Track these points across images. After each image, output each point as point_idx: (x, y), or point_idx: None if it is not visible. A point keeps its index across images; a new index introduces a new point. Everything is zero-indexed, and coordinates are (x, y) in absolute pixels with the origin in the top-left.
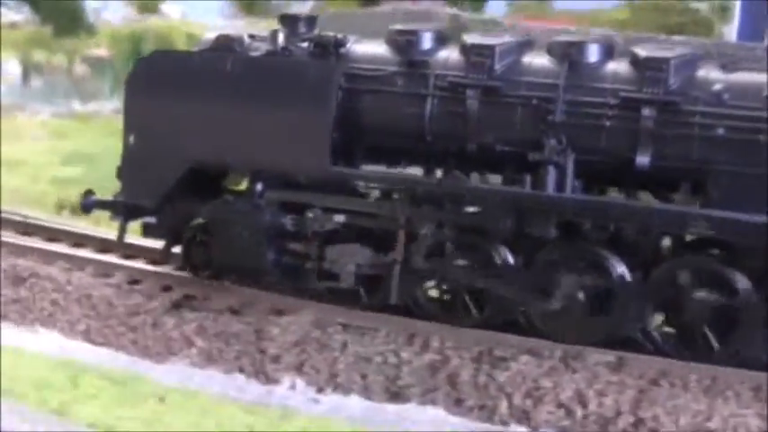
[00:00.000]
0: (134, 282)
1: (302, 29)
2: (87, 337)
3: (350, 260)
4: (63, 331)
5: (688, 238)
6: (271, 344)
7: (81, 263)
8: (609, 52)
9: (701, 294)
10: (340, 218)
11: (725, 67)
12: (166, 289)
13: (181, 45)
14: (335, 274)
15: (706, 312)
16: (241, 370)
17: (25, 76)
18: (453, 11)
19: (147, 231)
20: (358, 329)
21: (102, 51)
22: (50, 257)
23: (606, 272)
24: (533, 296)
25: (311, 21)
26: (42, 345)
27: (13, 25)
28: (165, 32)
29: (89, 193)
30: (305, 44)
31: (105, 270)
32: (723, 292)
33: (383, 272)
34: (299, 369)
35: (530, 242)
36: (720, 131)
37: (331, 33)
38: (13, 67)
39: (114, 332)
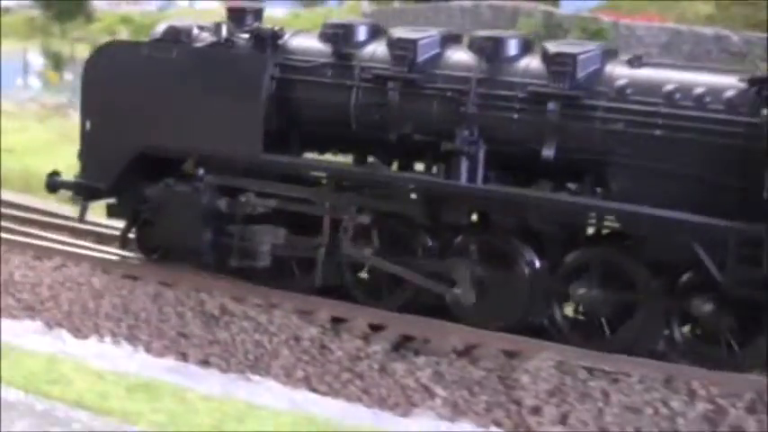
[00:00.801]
0: (339, 320)
1: (249, 21)
2: (309, 385)
3: (265, 240)
4: (279, 379)
5: (591, 229)
6: (524, 393)
7: (279, 298)
8: (526, 48)
9: (596, 288)
10: (270, 202)
11: (631, 63)
12: (378, 328)
13: None
14: (253, 253)
15: (604, 304)
16: (497, 423)
17: (57, 69)
18: (546, 7)
19: (110, 212)
20: (607, 375)
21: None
22: (242, 293)
23: (514, 261)
24: (442, 283)
25: (258, 13)
26: (265, 396)
27: (7, 11)
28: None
29: (54, 174)
30: (246, 36)
31: (305, 306)
32: (622, 284)
33: (308, 255)
34: (563, 422)
35: (446, 229)
36: (620, 125)
37: (269, 26)
38: (36, 59)
39: (339, 380)
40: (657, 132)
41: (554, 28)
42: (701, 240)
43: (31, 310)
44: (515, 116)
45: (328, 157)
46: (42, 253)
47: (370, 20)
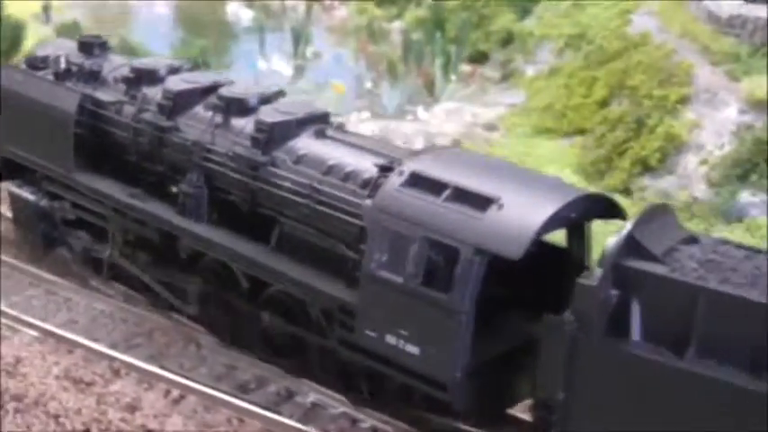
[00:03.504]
0: None
1: (96, 51)
2: None
3: (79, 242)
4: None
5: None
6: None
7: None
8: (250, 110)
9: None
10: (73, 211)
11: (318, 135)
12: None
13: None
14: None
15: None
16: None
17: None
18: None
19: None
20: None
21: None
22: None
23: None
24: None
25: (104, 45)
26: None
27: None
28: None
29: None
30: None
31: None
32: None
33: (100, 257)
34: None
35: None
36: (289, 192)
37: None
38: None
39: None
40: (310, 202)
41: None
42: (317, 303)
43: None
44: (229, 172)
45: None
46: None
47: (171, 61)
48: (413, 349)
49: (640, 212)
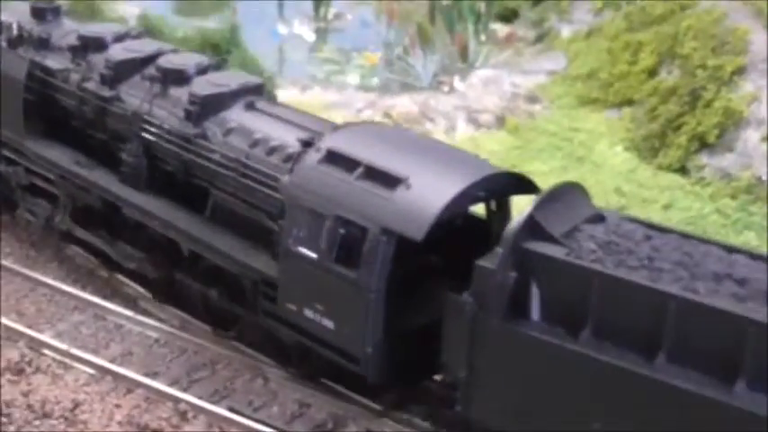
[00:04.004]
0: None
1: (49, 17)
2: None
3: (41, 208)
4: None
5: None
6: None
7: None
8: (188, 80)
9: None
10: (27, 177)
11: (248, 107)
12: None
13: None
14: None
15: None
16: None
17: None
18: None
19: None
20: None
21: None
22: None
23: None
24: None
25: (56, 11)
26: None
27: None
28: None
29: None
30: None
31: None
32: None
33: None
34: None
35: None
36: (218, 165)
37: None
38: None
39: None
40: (237, 175)
41: None
42: (244, 274)
43: None
44: (163, 143)
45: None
46: None
47: (119, 28)
48: (328, 323)
49: (544, 192)
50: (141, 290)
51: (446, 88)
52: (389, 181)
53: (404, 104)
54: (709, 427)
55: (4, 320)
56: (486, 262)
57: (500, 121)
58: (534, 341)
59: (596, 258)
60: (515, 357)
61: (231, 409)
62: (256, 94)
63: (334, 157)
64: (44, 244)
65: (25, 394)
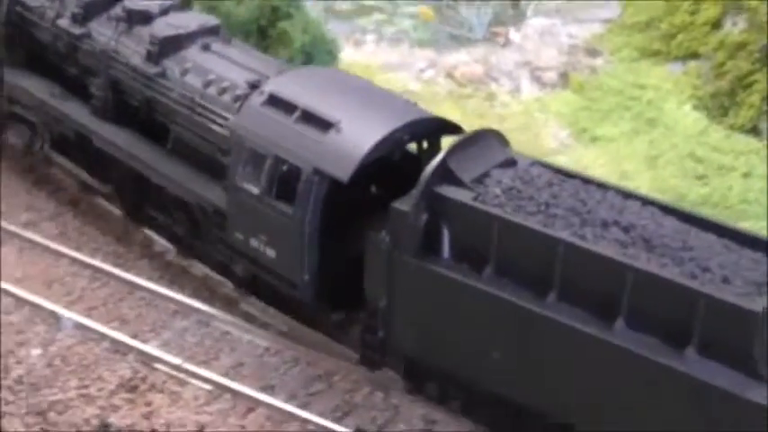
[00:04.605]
0: None
1: None
2: None
3: (22, 134)
4: None
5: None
6: None
7: None
8: (152, 19)
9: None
10: (9, 106)
11: (204, 48)
12: None
13: None
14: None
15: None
16: None
17: None
18: None
19: None
20: None
21: None
22: None
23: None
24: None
25: None
26: None
27: None
28: None
29: None
30: None
31: None
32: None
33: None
34: None
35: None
36: (176, 103)
37: None
38: None
39: None
40: (191, 113)
41: None
42: (199, 205)
43: None
44: (127, 79)
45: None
46: None
47: None
48: (271, 252)
49: (459, 138)
50: (240, 291)
51: (501, 40)
52: (323, 125)
53: (464, 62)
54: (591, 361)
55: (112, 332)
56: (401, 204)
57: (564, 79)
58: (443, 277)
59: (498, 203)
60: (427, 291)
61: (359, 431)
62: (213, 35)
63: (275, 101)
64: (129, 238)
65: (146, 417)
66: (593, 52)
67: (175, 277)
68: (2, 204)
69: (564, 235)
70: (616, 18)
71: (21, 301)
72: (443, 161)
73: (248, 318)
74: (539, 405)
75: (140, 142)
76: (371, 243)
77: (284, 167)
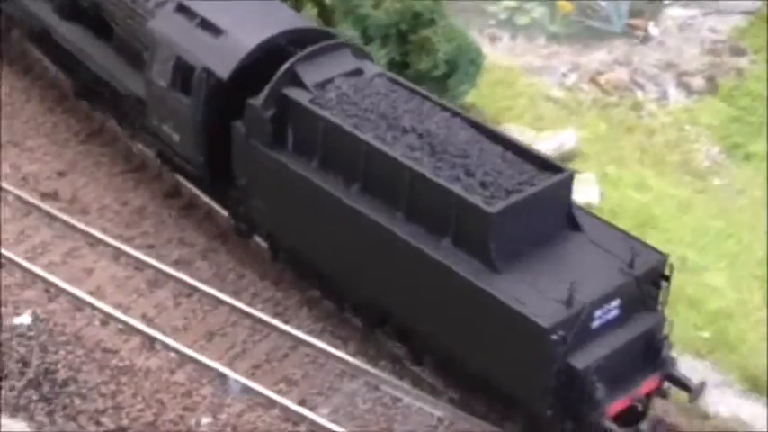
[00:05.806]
0: None
1: None
2: None
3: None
4: None
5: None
6: None
7: None
8: None
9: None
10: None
11: None
12: None
13: None
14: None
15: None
16: None
17: None
18: None
19: None
20: None
21: None
22: None
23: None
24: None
25: None
26: None
27: None
28: None
29: None
30: None
31: None
32: None
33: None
34: None
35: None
36: (111, 4)
37: None
38: None
39: None
40: (125, 16)
41: None
42: (128, 95)
43: None
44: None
45: None
46: None
47: None
48: (176, 137)
49: (312, 47)
50: (403, 349)
51: (640, 34)
52: (215, 30)
53: (606, 63)
54: (380, 243)
55: (281, 399)
56: (255, 100)
57: (711, 84)
58: (283, 165)
59: (328, 107)
60: (274, 175)
61: None
62: None
63: (182, 8)
64: (289, 284)
65: None
66: (736, 50)
67: (336, 329)
68: (153, 236)
69: (367, 137)
70: (757, 10)
71: (185, 358)
72: (291, 65)
73: (417, 381)
74: (348, 280)
75: (88, 38)
76: (234, 130)
77: (184, 65)
